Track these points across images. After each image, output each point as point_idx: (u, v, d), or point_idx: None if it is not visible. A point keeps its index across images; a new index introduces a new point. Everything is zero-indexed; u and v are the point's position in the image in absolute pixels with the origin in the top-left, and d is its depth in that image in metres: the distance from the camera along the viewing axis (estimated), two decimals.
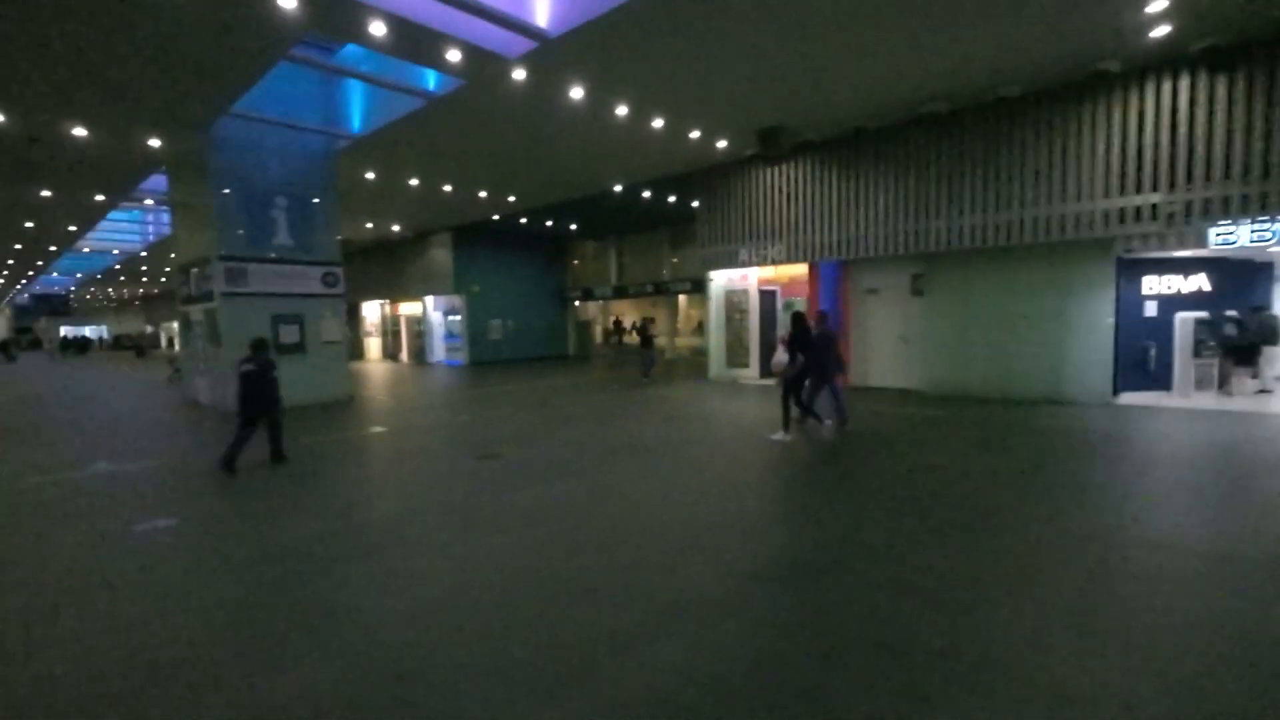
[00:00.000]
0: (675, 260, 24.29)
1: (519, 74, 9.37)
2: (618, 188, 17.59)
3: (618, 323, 35.29)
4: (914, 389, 12.73)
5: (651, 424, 9.80)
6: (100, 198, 16.64)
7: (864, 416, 9.82)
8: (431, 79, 10.36)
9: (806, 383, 8.85)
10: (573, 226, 24.34)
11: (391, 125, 11.86)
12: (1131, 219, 9.92)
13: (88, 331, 64.03)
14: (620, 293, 25.67)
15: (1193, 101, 9.38)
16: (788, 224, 13.94)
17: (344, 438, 9.36)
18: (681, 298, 25.42)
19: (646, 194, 18.64)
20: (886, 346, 13.30)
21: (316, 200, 13.36)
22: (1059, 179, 10.54)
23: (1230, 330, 10.52)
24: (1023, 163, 10.85)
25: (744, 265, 14.92)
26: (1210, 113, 9.27)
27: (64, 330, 58.51)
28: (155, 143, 12.17)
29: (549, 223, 23.26)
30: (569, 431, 9.32)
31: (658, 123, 11.76)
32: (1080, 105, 10.27)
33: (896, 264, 12.91)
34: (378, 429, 10.10)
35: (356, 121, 12.74)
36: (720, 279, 15.87)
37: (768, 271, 15.10)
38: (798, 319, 8.45)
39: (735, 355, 15.80)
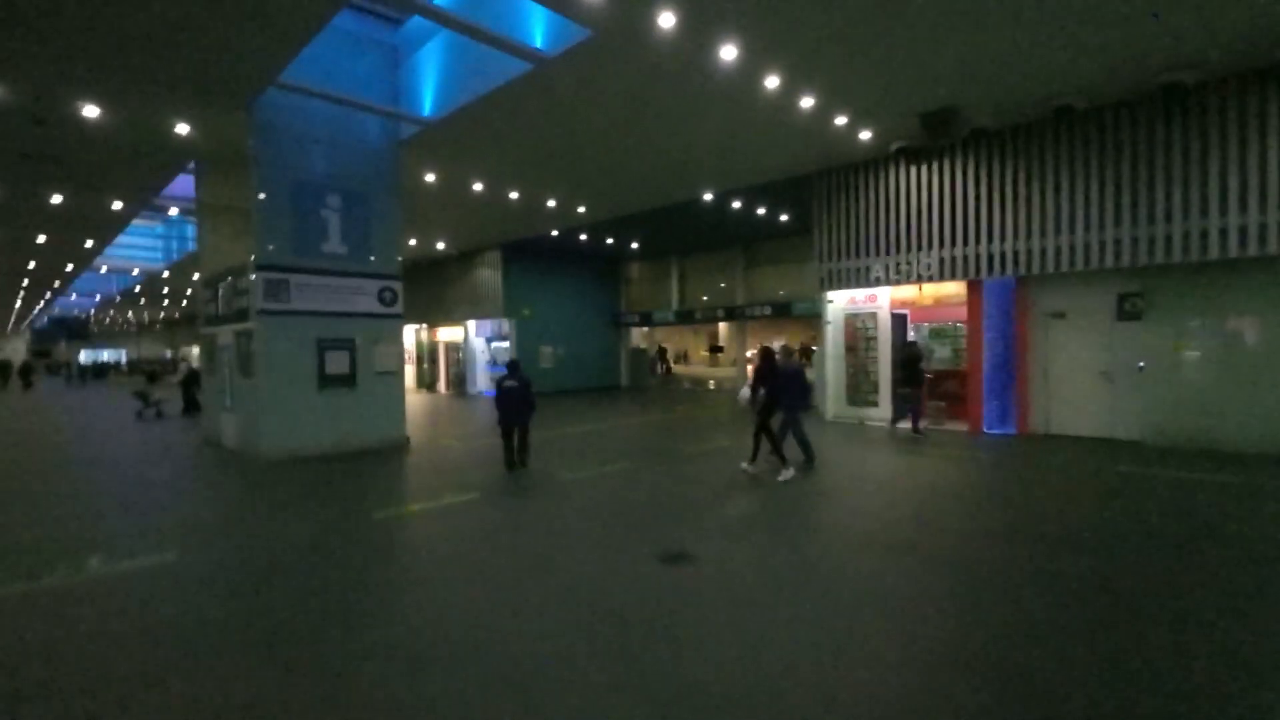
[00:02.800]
0: (750, 281, 21.81)
1: (666, 18, 7.01)
2: (708, 195, 15.21)
3: (662, 351, 32.77)
4: (1126, 439, 9.97)
5: (856, 492, 7.16)
6: (118, 205, 14.50)
7: (1099, 478, 7.10)
8: (539, 33, 8.03)
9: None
10: (634, 244, 22.00)
11: (474, 103, 9.53)
12: None
13: (106, 356, 62.59)
14: (685, 317, 23.17)
15: None
16: (941, 233, 11.39)
17: (427, 510, 6.77)
18: (723, 325, 22.91)
19: (736, 204, 16.27)
20: (1080, 385, 10.55)
21: (375, 199, 11.03)
22: None
23: None
24: None
25: (877, 284, 12.36)
26: None
27: (83, 355, 57.02)
28: (183, 128, 9.95)
29: (610, 239, 20.95)
30: (740, 503, 6.69)
31: (806, 101, 9.37)
32: None
33: (1094, 281, 10.26)
34: (466, 495, 7.44)
35: (427, 103, 10.45)
36: (840, 300, 13.31)
37: (902, 292, 12.52)
38: (766, 353, 8.27)
39: (860, 391, 13.13)
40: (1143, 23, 7.24)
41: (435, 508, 6.79)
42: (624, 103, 9.55)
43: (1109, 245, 9.67)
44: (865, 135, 10.92)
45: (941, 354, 12.02)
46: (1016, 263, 10.53)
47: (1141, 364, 9.81)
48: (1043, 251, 10.28)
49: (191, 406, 17.12)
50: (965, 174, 11.11)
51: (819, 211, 13.28)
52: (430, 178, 13.15)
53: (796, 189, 14.35)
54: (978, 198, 10.96)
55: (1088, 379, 10.45)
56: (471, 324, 23.34)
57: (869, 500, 6.78)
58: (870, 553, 4.98)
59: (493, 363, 22.87)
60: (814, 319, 14.31)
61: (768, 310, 20.02)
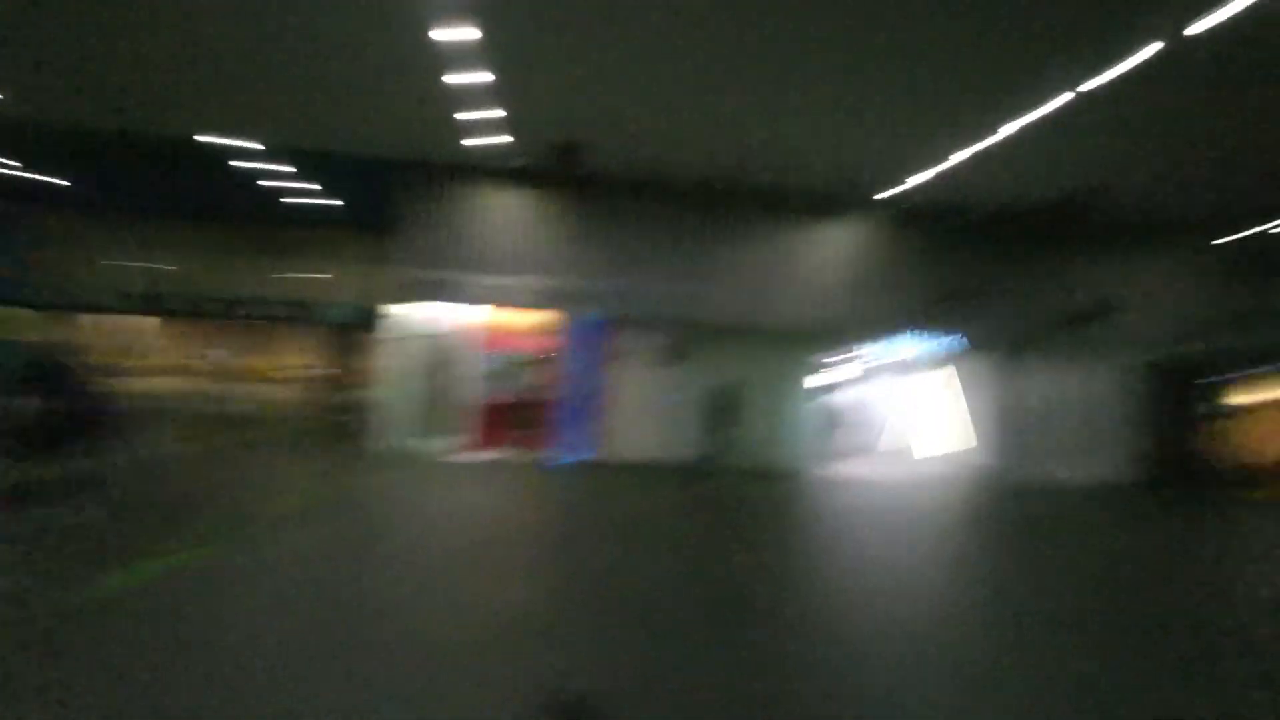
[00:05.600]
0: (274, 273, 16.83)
1: None
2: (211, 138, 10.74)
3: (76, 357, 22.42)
4: (679, 461, 11.68)
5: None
6: None
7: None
8: None
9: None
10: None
11: None
12: None
13: None
14: (154, 305, 16.24)
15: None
16: (546, 262, 11.23)
17: None
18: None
19: (252, 164, 12.05)
20: (645, 416, 11.90)
21: None
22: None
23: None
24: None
25: (469, 302, 11.22)
26: None
27: None
28: None
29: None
30: None
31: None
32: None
33: (658, 326, 11.85)
34: None
35: None
36: (415, 314, 11.49)
37: (493, 315, 11.74)
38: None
39: (432, 420, 11.51)
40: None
41: None
42: None
43: (666, 299, 11.31)
44: (481, 141, 9.78)
45: (525, 382, 11.75)
46: (604, 302, 11.23)
47: (679, 398, 11.80)
48: (623, 295, 11.25)
49: None
50: (578, 209, 11.34)
51: (409, 209, 11.24)
52: None
53: (365, 172, 11.78)
54: (586, 235, 11.31)
55: (644, 412, 11.89)
56: None
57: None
58: None
59: None
60: (347, 329, 12.05)
61: (295, 311, 15.96)
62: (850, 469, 12.84)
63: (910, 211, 11.84)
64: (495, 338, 11.94)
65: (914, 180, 10.52)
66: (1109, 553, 8.00)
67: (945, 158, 9.44)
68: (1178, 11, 5.76)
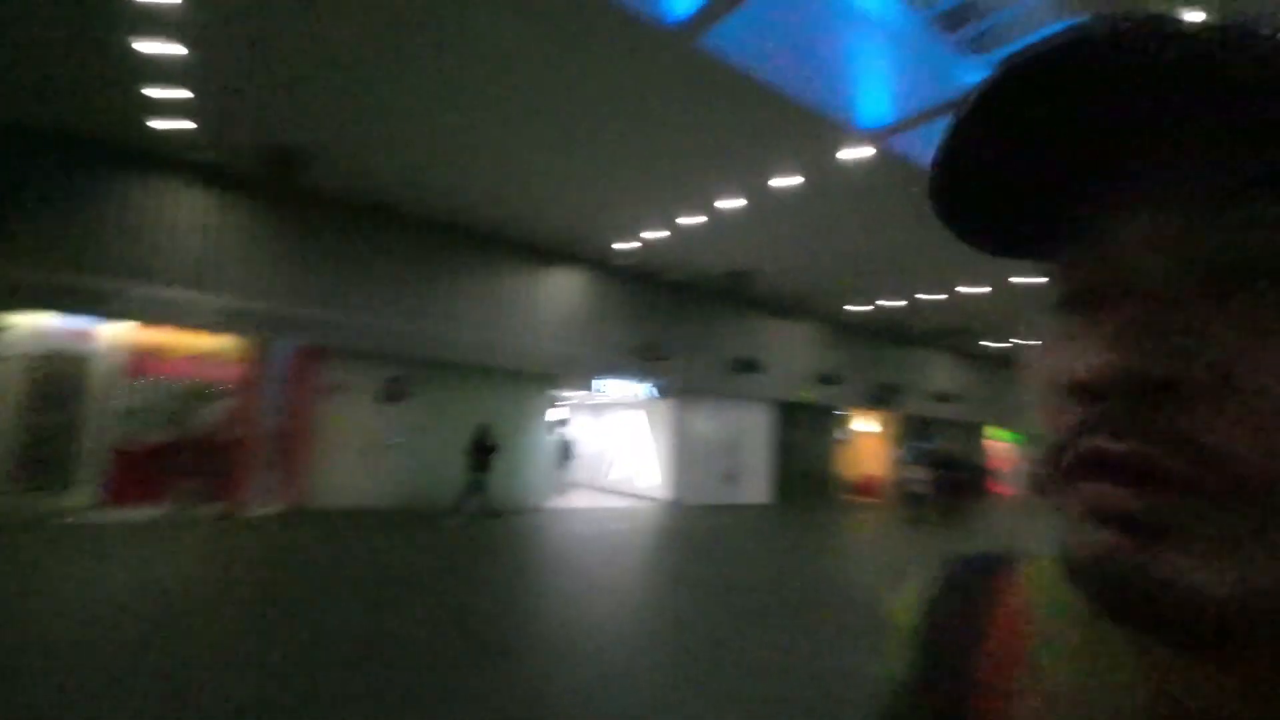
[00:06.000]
0: None
1: None
2: None
3: None
4: (385, 507, 10.79)
5: None
6: None
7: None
8: None
9: None
10: None
11: None
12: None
13: None
14: None
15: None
16: (231, 279, 9.51)
17: None
18: None
19: None
20: (350, 459, 10.78)
21: None
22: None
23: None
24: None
25: (119, 317, 8.89)
26: None
27: None
28: None
29: None
30: None
31: None
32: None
33: (373, 360, 10.98)
34: None
35: None
36: (42, 327, 8.69)
37: (165, 337, 9.47)
38: None
39: (51, 467, 8.70)
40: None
41: None
42: None
43: (390, 333, 10.69)
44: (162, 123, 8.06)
45: (202, 419, 9.67)
46: (313, 331, 10.04)
47: (397, 440, 11.11)
48: (328, 325, 10.22)
49: None
50: (291, 226, 9.91)
51: (54, 192, 8.46)
52: None
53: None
54: (299, 255, 9.95)
55: (357, 453, 10.87)
56: None
57: None
58: None
59: None
60: None
61: None
62: (576, 502, 13.77)
63: (628, 269, 13.38)
64: (162, 363, 9.69)
65: (632, 244, 11.98)
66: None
67: (665, 228, 11.03)
68: (817, 157, 7.91)
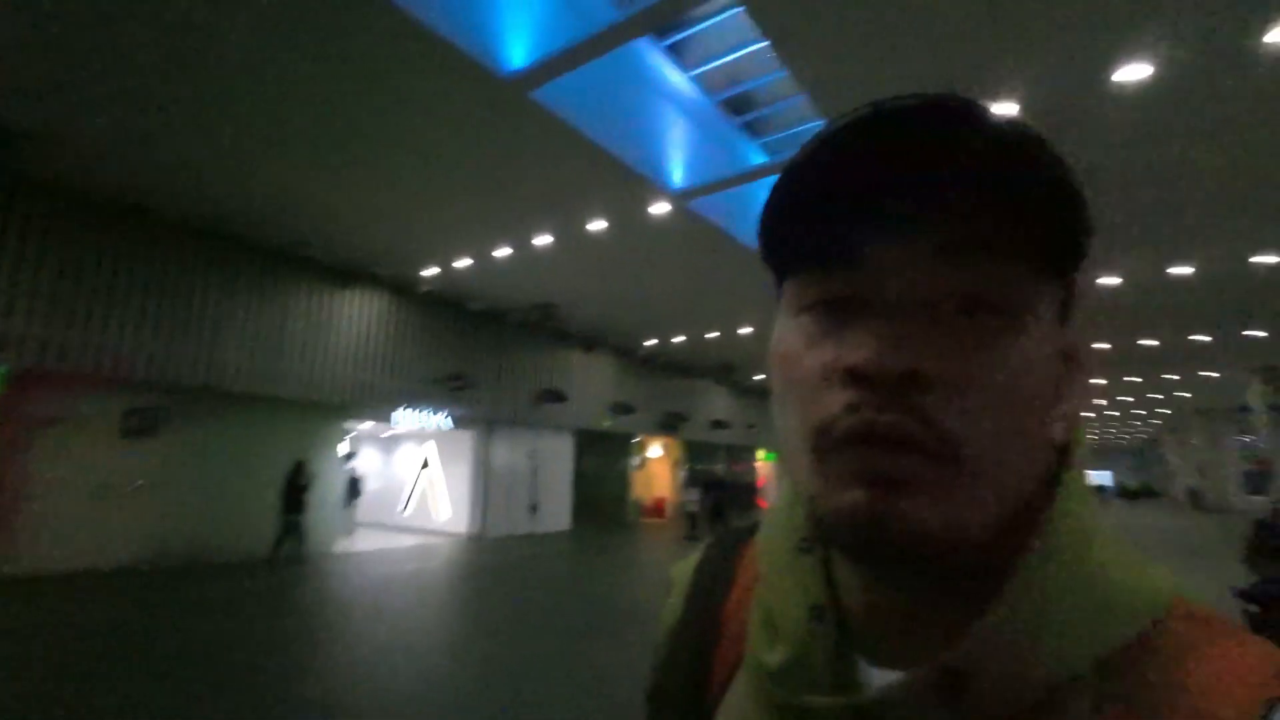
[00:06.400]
0: None
1: None
2: None
3: None
4: (122, 566, 8.88)
5: None
6: None
7: None
8: None
9: None
10: None
11: None
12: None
13: None
14: None
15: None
16: None
17: None
18: None
19: None
20: (72, 510, 8.69)
21: None
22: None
23: None
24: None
25: None
26: None
27: None
28: None
29: None
30: None
31: None
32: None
33: (104, 388, 9.10)
34: None
35: None
36: None
37: None
38: None
39: None
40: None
41: None
42: None
43: (129, 353, 9.04)
44: None
45: None
46: (12, 348, 8.08)
47: (140, 482, 9.35)
48: (46, 343, 8.35)
49: None
50: None
51: None
52: None
53: None
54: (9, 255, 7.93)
55: (82, 502, 8.85)
56: None
57: None
58: None
59: None
60: None
61: None
62: (368, 543, 12.77)
63: (433, 296, 13.03)
64: None
65: (438, 271, 11.76)
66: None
67: (474, 257, 11.03)
68: (626, 207, 8.77)
